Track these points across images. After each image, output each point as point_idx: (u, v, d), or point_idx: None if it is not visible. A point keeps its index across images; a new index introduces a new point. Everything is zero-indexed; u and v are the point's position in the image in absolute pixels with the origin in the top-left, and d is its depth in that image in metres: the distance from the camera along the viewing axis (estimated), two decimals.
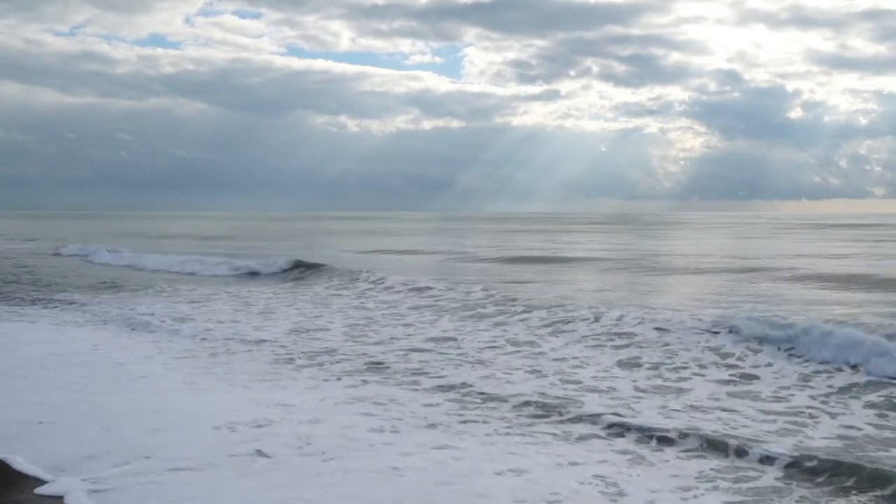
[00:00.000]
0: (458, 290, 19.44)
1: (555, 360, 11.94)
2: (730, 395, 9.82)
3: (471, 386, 10.13)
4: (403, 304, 18.22)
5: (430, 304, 17.86)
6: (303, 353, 12.51)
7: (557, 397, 9.54)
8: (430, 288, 19.91)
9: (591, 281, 23.63)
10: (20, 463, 6.85)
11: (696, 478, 6.74)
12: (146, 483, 6.39)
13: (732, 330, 12.67)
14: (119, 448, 7.24)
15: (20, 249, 43.45)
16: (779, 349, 11.75)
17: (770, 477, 6.76)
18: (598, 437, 7.98)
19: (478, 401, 9.40)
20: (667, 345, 12.49)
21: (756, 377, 10.73)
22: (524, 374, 11.00)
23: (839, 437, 7.95)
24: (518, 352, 12.62)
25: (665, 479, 6.71)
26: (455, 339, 13.73)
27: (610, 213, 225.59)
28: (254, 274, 26.81)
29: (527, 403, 9.18)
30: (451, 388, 10.07)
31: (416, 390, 10.02)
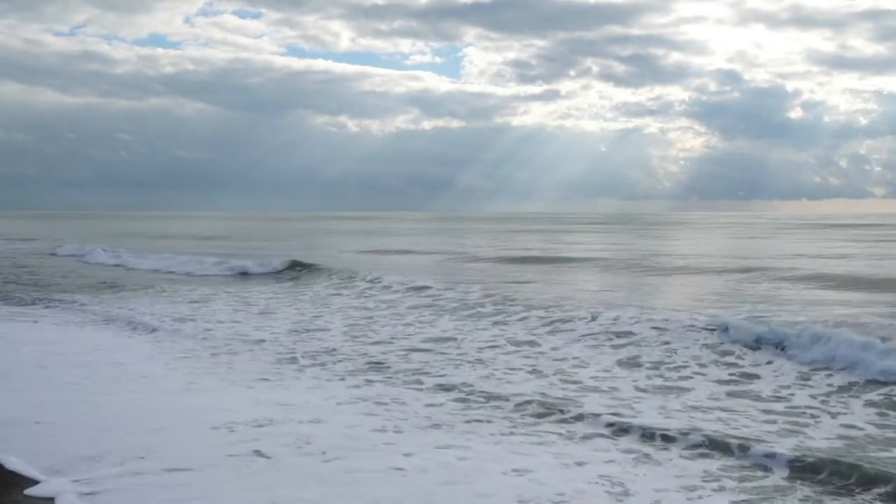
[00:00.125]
0: (457, 290, 19.41)
1: (555, 359, 11.93)
2: (730, 394, 9.81)
3: (472, 386, 10.12)
4: (403, 303, 18.21)
5: (429, 303, 17.84)
6: (304, 353, 12.50)
7: (559, 398, 9.53)
8: (428, 287, 19.89)
9: (590, 281, 23.62)
10: (14, 463, 6.82)
11: (701, 478, 6.73)
12: (140, 484, 6.35)
13: (724, 331, 12.62)
14: (116, 448, 7.21)
15: (18, 249, 43.42)
16: (776, 347, 11.73)
17: (773, 477, 6.76)
18: (601, 436, 7.97)
19: (480, 401, 9.39)
20: (666, 343, 12.48)
21: (756, 376, 10.73)
22: (525, 374, 10.98)
23: (840, 437, 7.93)
24: (518, 351, 12.61)
25: (670, 479, 6.69)
26: (455, 339, 13.71)
27: (610, 213, 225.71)
28: (252, 274, 26.77)
29: (529, 403, 9.16)
30: (453, 387, 10.06)
31: (418, 390, 10.01)
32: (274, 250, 37.57)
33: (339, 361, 11.83)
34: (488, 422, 8.48)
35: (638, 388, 10.10)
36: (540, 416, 8.70)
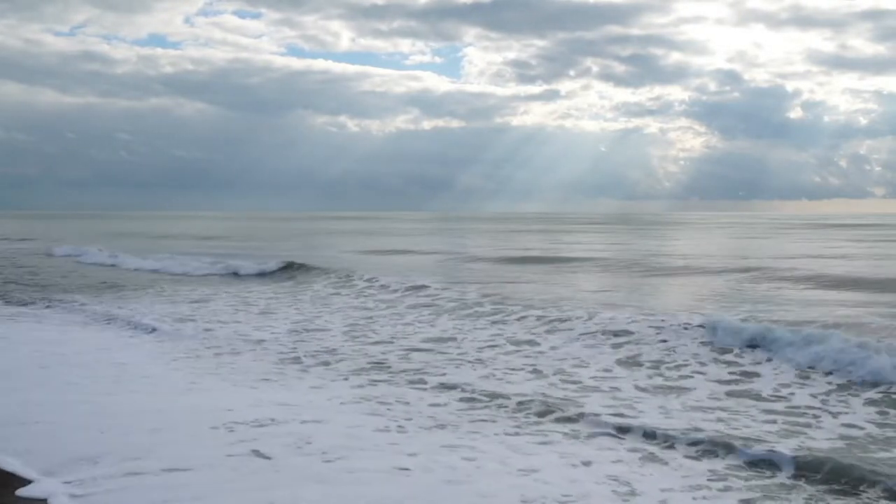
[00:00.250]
0: (456, 289, 19.41)
1: (555, 359, 11.91)
2: (730, 394, 9.80)
3: (474, 386, 10.10)
4: (402, 303, 18.19)
5: (428, 303, 17.81)
6: (305, 353, 12.48)
7: (561, 398, 9.51)
8: (427, 287, 19.86)
9: (589, 281, 23.60)
10: (9, 463, 6.79)
11: (707, 477, 6.73)
12: (135, 486, 6.30)
13: (715, 331, 12.55)
14: (114, 449, 7.18)
15: (16, 249, 43.36)
16: (768, 350, 11.67)
17: (778, 477, 6.75)
18: (605, 436, 7.95)
19: (483, 401, 9.36)
20: (665, 343, 12.46)
21: (755, 374, 10.74)
22: (525, 373, 10.97)
23: (842, 436, 7.92)
24: (518, 351, 12.60)
25: (676, 479, 6.68)
26: (454, 339, 13.70)
27: (610, 213, 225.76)
28: (249, 275, 26.66)
29: (532, 403, 9.14)
30: (456, 387, 10.03)
31: (420, 390, 9.99)
32: (272, 251, 37.55)
33: (341, 361, 11.82)
34: (492, 422, 8.48)
35: (638, 388, 10.08)
36: (543, 415, 8.68)
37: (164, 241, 52.20)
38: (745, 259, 30.17)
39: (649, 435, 7.84)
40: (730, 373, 10.88)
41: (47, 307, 18.40)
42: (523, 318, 15.19)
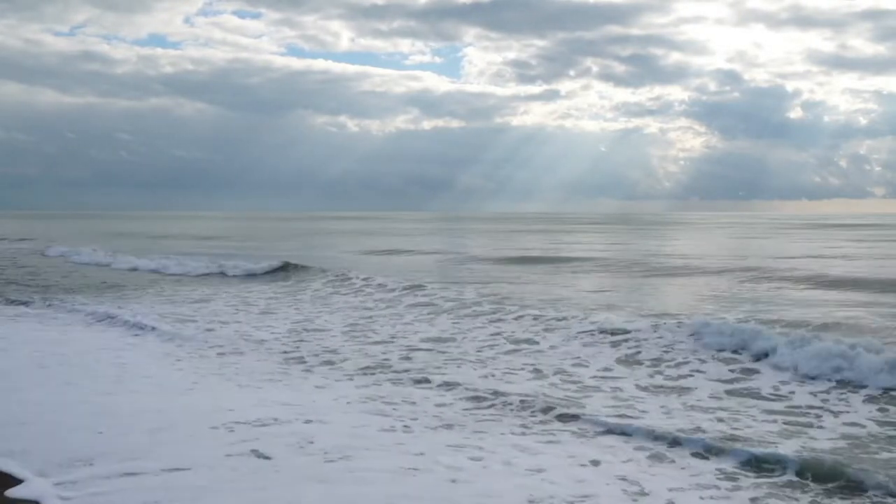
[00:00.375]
0: (454, 289, 19.40)
1: (555, 359, 11.90)
2: (730, 393, 9.81)
3: (477, 385, 10.09)
4: (401, 303, 18.15)
5: (427, 303, 17.78)
6: (307, 353, 12.47)
7: (562, 397, 9.50)
8: (426, 287, 19.84)
9: (589, 281, 23.58)
10: (4, 463, 6.75)
11: (716, 476, 6.72)
12: (129, 487, 6.25)
13: (697, 337, 12.40)
14: (111, 449, 7.15)
15: (16, 249, 43.33)
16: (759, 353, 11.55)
17: (783, 477, 6.72)
18: (610, 436, 7.93)
19: (487, 400, 9.34)
20: (664, 343, 12.42)
21: (756, 371, 10.76)
22: (527, 373, 10.97)
23: (843, 435, 7.92)
24: (517, 350, 12.59)
25: (684, 478, 6.67)
26: (454, 339, 13.67)
27: (610, 213, 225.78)
28: (247, 275, 26.57)
29: (535, 403, 9.11)
30: (459, 387, 10.01)
31: (424, 389, 9.99)
32: (272, 251, 37.52)
33: (344, 361, 11.81)
34: (498, 421, 8.47)
35: (639, 387, 10.08)
36: (548, 415, 8.65)
37: (164, 241, 52.19)
38: (745, 259, 30.15)
39: (654, 435, 7.82)
40: (730, 370, 10.91)
41: (48, 307, 18.36)
42: (522, 317, 15.16)
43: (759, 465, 6.95)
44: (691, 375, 10.74)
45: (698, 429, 8.03)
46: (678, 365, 11.26)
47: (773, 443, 7.52)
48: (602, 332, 13.34)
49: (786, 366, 10.71)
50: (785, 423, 8.35)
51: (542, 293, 19.50)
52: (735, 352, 11.65)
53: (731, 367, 11.05)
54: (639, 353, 12.03)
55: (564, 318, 14.56)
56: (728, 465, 7.00)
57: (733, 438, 7.65)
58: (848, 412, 8.81)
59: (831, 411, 8.86)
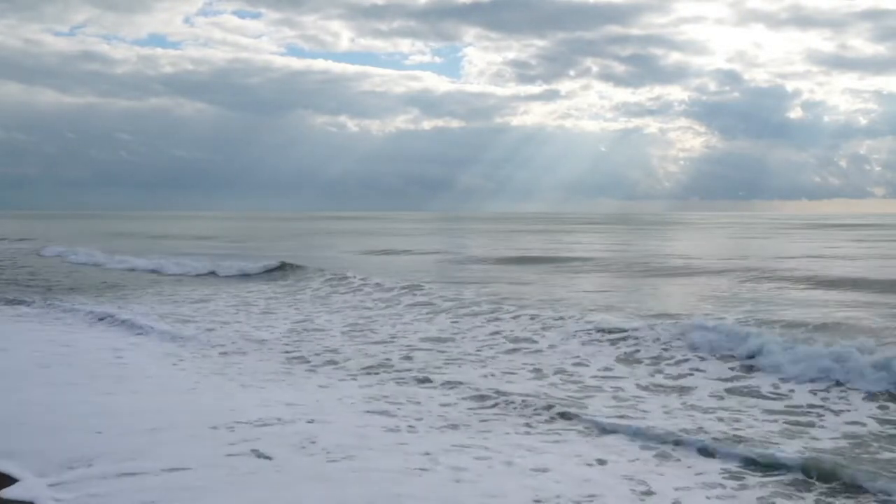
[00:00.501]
0: (453, 289, 19.41)
1: (554, 358, 11.89)
2: (731, 392, 9.80)
3: (479, 385, 10.08)
4: (399, 303, 18.12)
5: (425, 303, 17.74)
6: (308, 352, 12.46)
7: (564, 397, 9.51)
8: (425, 287, 19.82)
9: (588, 282, 23.56)
10: (1, 464, 6.72)
11: (721, 476, 6.71)
12: (126, 487, 6.22)
13: (687, 338, 12.30)
14: (109, 449, 7.12)
15: (16, 249, 43.30)
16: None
17: (786, 476, 6.70)
18: (614, 436, 7.90)
19: (491, 400, 9.32)
20: (662, 342, 12.39)
21: (755, 368, 10.74)
22: (527, 372, 10.98)
23: (845, 434, 7.92)
24: (517, 350, 12.57)
25: (690, 478, 6.67)
26: (454, 339, 13.65)
27: (610, 213, 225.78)
28: (245, 276, 26.49)
29: (538, 403, 9.11)
30: (461, 387, 9.99)
31: (426, 389, 9.98)
32: (271, 251, 37.48)
33: (346, 360, 11.80)
34: (502, 421, 8.45)
35: (640, 387, 10.08)
36: (551, 415, 8.63)
37: (164, 241, 52.16)
38: (745, 259, 30.13)
39: (658, 435, 7.81)
40: (729, 368, 10.91)
41: (48, 307, 18.32)
42: (521, 317, 15.12)
43: (763, 464, 6.93)
44: (691, 374, 10.75)
45: (701, 429, 8.03)
46: (677, 363, 11.28)
47: (777, 443, 7.52)
48: (601, 331, 13.33)
49: (775, 369, 10.61)
50: (786, 423, 8.35)
51: (541, 293, 19.48)
52: (725, 355, 11.58)
53: (731, 364, 11.06)
54: (638, 352, 12.03)
55: (563, 318, 14.55)
56: (733, 464, 6.99)
57: (736, 438, 7.65)
58: (849, 411, 8.82)
59: (832, 410, 8.85)
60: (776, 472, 6.75)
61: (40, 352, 12.29)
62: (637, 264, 28.59)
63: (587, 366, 11.37)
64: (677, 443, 7.57)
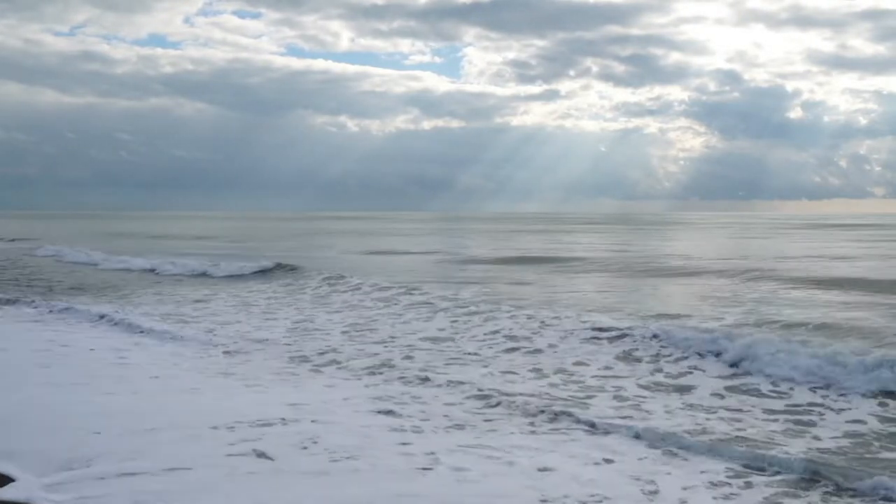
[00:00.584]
0: (453, 290, 19.43)
1: (554, 358, 11.88)
2: (730, 390, 9.79)
3: (481, 384, 10.05)
4: (398, 303, 18.08)
5: (424, 302, 17.70)
6: (312, 352, 12.44)
7: (566, 397, 9.50)
8: (423, 287, 19.82)
9: (588, 282, 23.55)
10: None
11: (727, 475, 6.70)
12: (123, 488, 6.17)
13: (664, 339, 12.27)
14: (108, 450, 7.07)
15: (14, 249, 43.26)
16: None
17: (792, 476, 6.67)
18: (618, 436, 7.88)
19: (495, 400, 9.29)
20: (660, 342, 12.36)
21: (749, 373, 10.71)
22: (528, 372, 10.97)
23: (847, 433, 7.92)
24: (516, 349, 12.56)
25: (696, 477, 6.65)
26: (454, 339, 13.63)
27: (609, 213, 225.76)
28: (246, 275, 26.39)
29: (541, 403, 9.10)
30: (464, 386, 9.97)
31: (429, 388, 9.96)
32: (270, 251, 37.48)
33: (349, 360, 11.79)
34: (507, 420, 8.44)
35: (641, 386, 10.08)
36: (554, 415, 8.61)
37: (164, 241, 52.12)
38: (745, 259, 30.12)
39: (662, 434, 7.77)
40: (730, 365, 10.88)
41: (49, 307, 18.26)
42: (520, 317, 15.08)
43: (768, 464, 6.91)
44: (690, 373, 10.77)
45: (704, 428, 8.04)
46: (676, 361, 11.31)
47: (780, 443, 7.52)
48: (599, 331, 13.31)
49: (767, 374, 10.49)
50: (787, 422, 8.35)
51: (540, 293, 19.47)
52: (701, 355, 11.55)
53: (730, 361, 11.02)
54: (636, 351, 12.04)
55: (562, 318, 14.56)
56: (738, 464, 6.96)
57: (740, 438, 7.65)
58: (849, 409, 8.82)
59: (832, 409, 8.85)
60: (781, 472, 6.72)
61: (40, 352, 12.27)
62: (637, 264, 28.58)
63: (587, 365, 11.35)
64: (682, 442, 7.55)
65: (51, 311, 17.40)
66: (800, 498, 6.22)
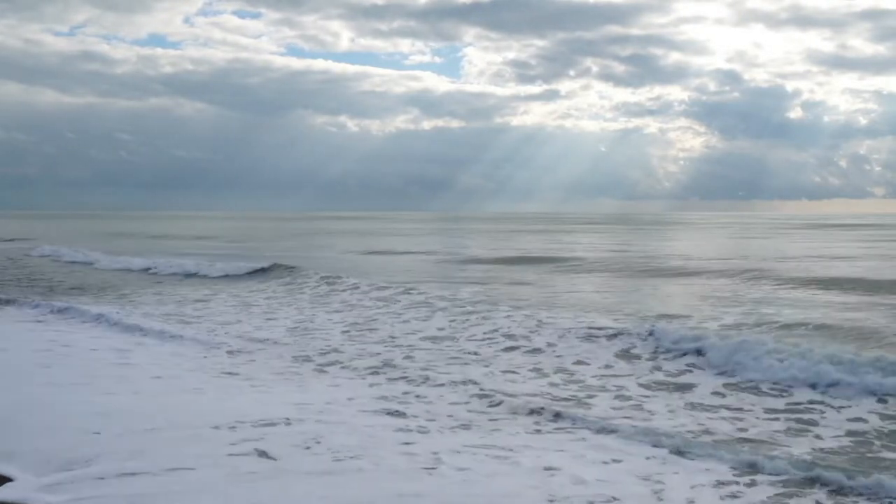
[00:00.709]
0: (452, 290, 19.46)
1: (553, 357, 11.89)
2: (730, 388, 9.81)
3: (483, 384, 10.06)
4: (398, 303, 18.07)
5: (423, 302, 17.69)
6: (314, 352, 12.44)
7: (569, 397, 9.52)
8: (422, 287, 19.83)
9: (587, 282, 23.54)
10: None
11: (733, 475, 6.70)
12: (121, 488, 6.16)
13: (651, 336, 12.30)
14: (108, 450, 7.05)
15: (14, 249, 43.24)
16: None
17: (796, 476, 6.66)
18: (620, 435, 7.88)
19: (498, 399, 9.28)
20: (657, 341, 12.35)
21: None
22: (528, 372, 10.99)
23: (849, 432, 7.93)
24: (515, 348, 12.56)
25: (703, 476, 6.65)
26: (454, 338, 13.63)
27: (609, 213, 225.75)
28: (245, 274, 26.34)
29: (544, 402, 9.10)
30: (467, 386, 9.98)
31: (432, 388, 9.96)
32: (270, 251, 37.49)
33: (350, 360, 11.79)
34: (511, 420, 8.43)
35: (642, 386, 10.10)
36: (558, 415, 8.59)
37: (163, 241, 52.12)
38: (745, 259, 30.11)
39: (666, 434, 7.77)
40: (725, 364, 10.86)
41: (50, 307, 18.24)
42: (520, 317, 15.06)
43: (771, 464, 6.89)
44: (689, 371, 10.80)
45: (707, 428, 8.06)
46: (675, 359, 11.32)
47: (782, 443, 7.54)
48: (597, 329, 13.31)
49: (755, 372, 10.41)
50: (789, 420, 8.37)
51: (539, 293, 19.47)
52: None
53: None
54: (635, 349, 12.04)
55: (559, 317, 14.57)
56: (742, 464, 6.95)
57: (744, 439, 7.67)
58: (849, 406, 8.82)
59: (832, 406, 8.84)
60: (785, 472, 6.71)
61: (42, 352, 12.26)
62: (636, 264, 28.58)
63: (587, 364, 11.37)
64: (687, 442, 7.55)
65: (52, 312, 17.38)
66: (803, 497, 6.22)
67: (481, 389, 9.74)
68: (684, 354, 11.38)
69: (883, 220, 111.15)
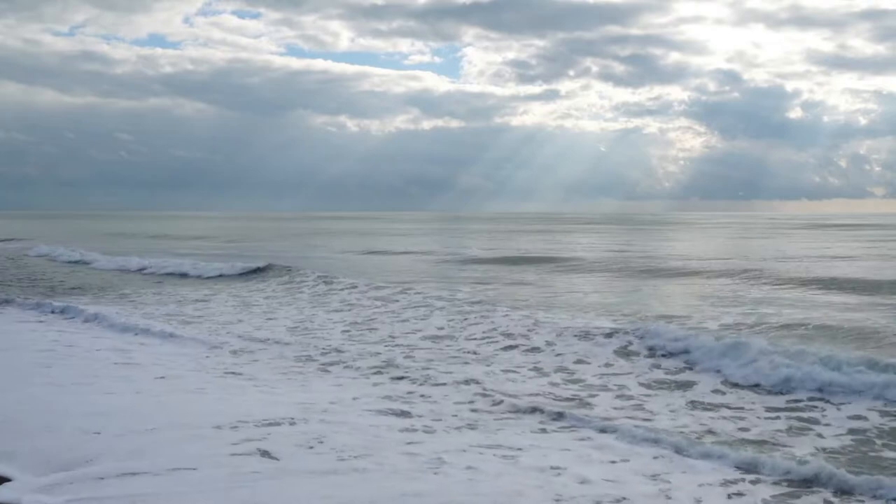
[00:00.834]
0: (451, 289, 19.49)
1: (553, 357, 11.91)
2: (729, 386, 9.86)
3: (486, 384, 10.07)
4: (397, 302, 18.07)
5: (422, 303, 17.69)
6: (314, 352, 12.45)
7: (571, 397, 9.53)
8: (421, 287, 19.85)
9: (585, 282, 23.53)
10: None
11: (739, 475, 6.70)
12: (119, 489, 6.15)
13: (650, 336, 12.29)
14: (108, 450, 7.05)
15: (14, 249, 43.22)
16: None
17: (799, 475, 6.66)
18: (623, 435, 7.88)
19: (501, 399, 9.29)
20: (649, 336, 12.37)
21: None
22: (528, 371, 11.01)
23: (850, 431, 7.94)
24: (514, 348, 12.58)
25: (709, 476, 6.66)
26: (454, 338, 13.64)
27: (609, 213, 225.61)
28: (244, 274, 26.30)
29: (546, 402, 9.11)
30: (469, 385, 10.00)
31: (434, 388, 9.96)
32: (269, 251, 37.48)
33: (352, 360, 11.81)
34: (516, 420, 8.44)
35: (642, 385, 10.11)
36: (561, 415, 8.60)
37: (163, 240, 52.10)
38: (745, 259, 30.11)
39: (670, 433, 7.79)
40: (719, 363, 10.88)
41: (51, 307, 18.23)
42: (519, 317, 15.06)
43: (774, 464, 6.90)
44: (689, 368, 10.82)
45: (709, 428, 8.08)
46: (673, 358, 11.34)
47: (784, 443, 7.55)
48: (596, 329, 13.32)
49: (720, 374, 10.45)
50: (790, 419, 8.38)
51: (539, 293, 19.48)
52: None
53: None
54: (632, 347, 12.07)
55: (557, 317, 14.57)
56: (745, 463, 6.95)
57: (745, 439, 7.68)
58: (849, 404, 8.85)
59: (832, 403, 8.86)
60: (788, 472, 6.72)
61: (44, 352, 12.26)
62: (636, 264, 28.58)
63: (587, 363, 11.38)
64: (691, 442, 7.55)
65: (53, 312, 17.38)
66: (808, 497, 6.24)
67: (483, 389, 9.76)
68: (683, 353, 11.40)
69: (883, 220, 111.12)
